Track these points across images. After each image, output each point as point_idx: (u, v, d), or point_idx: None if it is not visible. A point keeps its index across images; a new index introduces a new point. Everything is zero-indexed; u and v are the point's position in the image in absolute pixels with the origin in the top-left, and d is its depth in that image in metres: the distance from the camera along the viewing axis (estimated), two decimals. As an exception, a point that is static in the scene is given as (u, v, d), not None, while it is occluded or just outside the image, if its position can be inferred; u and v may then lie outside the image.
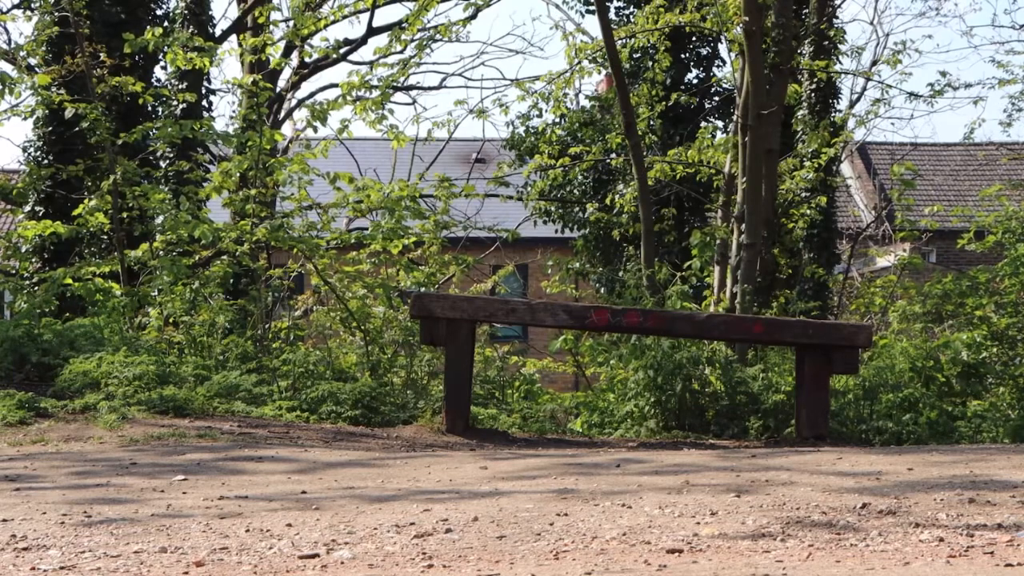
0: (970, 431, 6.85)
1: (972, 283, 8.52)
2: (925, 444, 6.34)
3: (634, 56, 16.49)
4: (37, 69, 13.09)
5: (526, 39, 40.78)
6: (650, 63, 13.66)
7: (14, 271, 10.36)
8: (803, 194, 13.15)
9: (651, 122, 13.05)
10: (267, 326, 8.60)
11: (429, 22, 14.24)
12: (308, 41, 15.22)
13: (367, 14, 19.98)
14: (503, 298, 7.81)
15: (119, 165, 9.36)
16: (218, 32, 19.57)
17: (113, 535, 3.16)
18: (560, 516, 3.28)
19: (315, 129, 10.13)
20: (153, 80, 18.04)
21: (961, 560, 2.72)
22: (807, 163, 12.69)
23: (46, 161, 16.35)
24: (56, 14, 12.55)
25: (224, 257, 9.08)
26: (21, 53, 13.10)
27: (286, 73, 20.39)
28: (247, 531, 3.19)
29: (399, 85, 18.03)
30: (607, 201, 13.93)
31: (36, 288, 9.76)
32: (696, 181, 13.47)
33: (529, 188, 16.08)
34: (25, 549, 3.00)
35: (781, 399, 6.78)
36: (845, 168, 24.59)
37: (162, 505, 3.64)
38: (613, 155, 14.86)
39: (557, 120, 16.47)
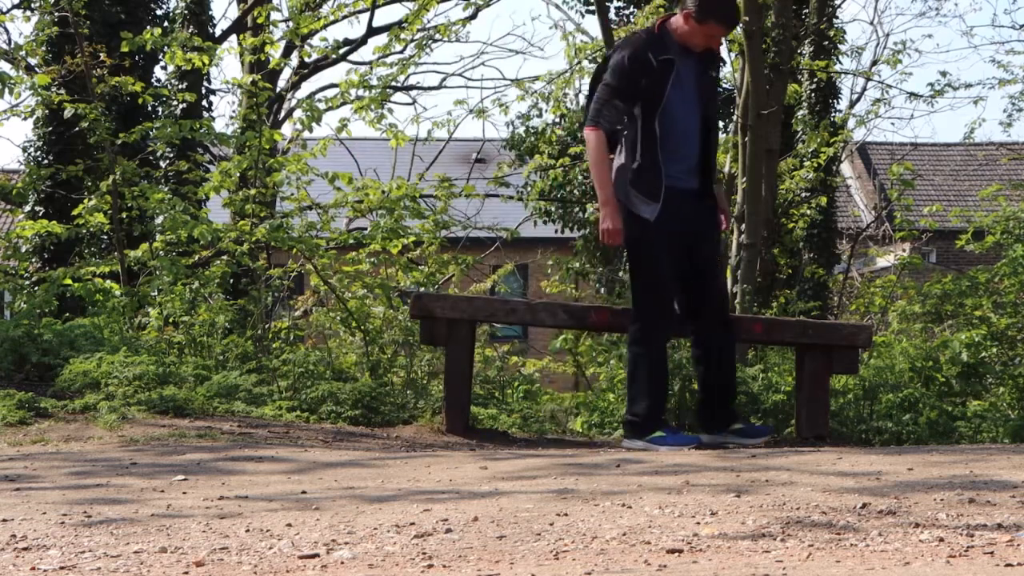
0: (970, 431, 6.85)
1: (972, 283, 8.53)
2: (925, 444, 6.34)
3: (634, 56, 16.47)
4: (37, 69, 13.09)
5: (526, 39, 40.91)
6: (650, 63, 13.65)
7: (14, 271, 10.36)
8: (803, 194, 13.16)
9: (651, 122, 13.02)
10: (267, 326, 8.60)
11: (429, 22, 14.27)
12: (308, 41, 15.25)
13: (367, 14, 19.98)
14: (503, 298, 7.82)
15: (118, 165, 9.35)
16: (218, 32, 19.57)
17: (113, 535, 3.16)
18: (560, 516, 3.27)
19: (310, 129, 10.12)
20: (153, 80, 18.04)
21: (961, 560, 2.72)
22: (807, 163, 12.69)
23: (46, 161, 16.35)
24: (56, 14, 12.55)
25: (224, 257, 9.08)
26: (21, 53, 13.10)
27: (286, 73, 20.40)
28: (247, 531, 3.19)
29: (399, 85, 18.05)
30: (607, 201, 13.91)
31: (36, 288, 9.75)
32: (696, 181, 13.45)
33: (529, 188, 16.08)
34: (25, 549, 3.00)
35: (781, 399, 6.78)
36: (845, 168, 24.59)
37: (162, 505, 3.64)
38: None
39: (557, 120, 16.48)
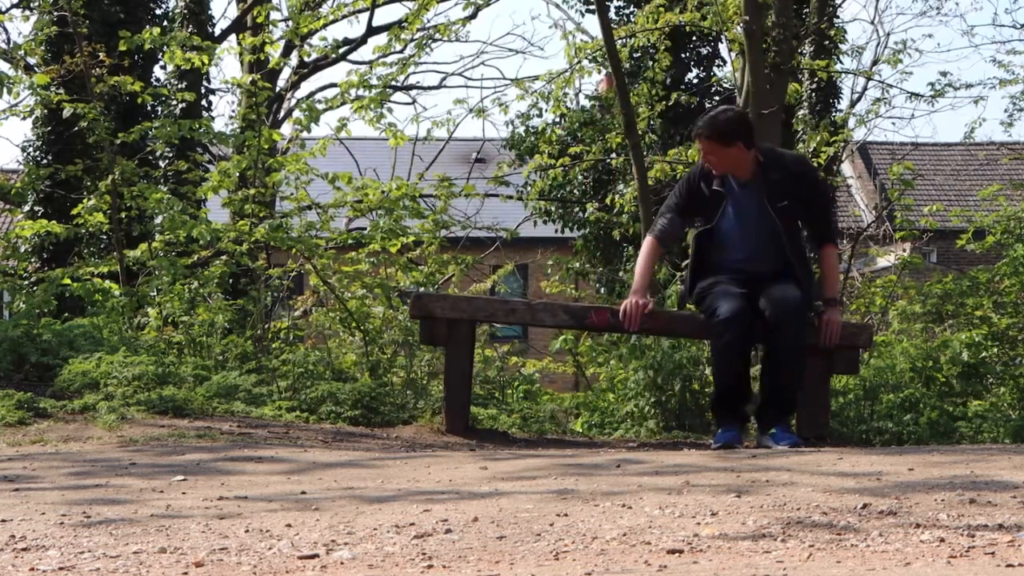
0: (971, 431, 6.84)
1: (972, 283, 8.52)
2: (926, 444, 6.33)
3: (634, 56, 16.49)
4: (36, 68, 13.09)
5: (526, 39, 40.99)
6: (650, 63, 13.65)
7: (13, 271, 10.36)
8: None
9: (651, 122, 13.03)
10: (266, 326, 8.59)
11: (429, 21, 14.25)
12: (307, 41, 15.24)
13: (367, 14, 19.98)
14: (503, 298, 7.80)
15: (118, 165, 9.34)
16: (217, 32, 19.59)
17: (112, 535, 3.16)
18: (560, 516, 3.27)
19: (309, 129, 10.11)
20: (152, 80, 18.05)
21: (962, 560, 2.72)
22: (807, 163, 12.64)
23: (45, 161, 16.37)
24: (55, 14, 12.54)
25: (223, 257, 9.07)
26: (20, 52, 13.09)
27: (286, 73, 20.41)
28: (247, 531, 3.18)
29: (398, 84, 18.04)
30: (607, 201, 13.91)
31: (35, 288, 9.75)
32: (696, 181, 13.43)
33: (529, 188, 16.08)
34: (24, 549, 2.99)
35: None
36: (845, 168, 24.58)
37: (161, 505, 3.63)
38: (613, 155, 14.84)
39: (557, 120, 16.47)
